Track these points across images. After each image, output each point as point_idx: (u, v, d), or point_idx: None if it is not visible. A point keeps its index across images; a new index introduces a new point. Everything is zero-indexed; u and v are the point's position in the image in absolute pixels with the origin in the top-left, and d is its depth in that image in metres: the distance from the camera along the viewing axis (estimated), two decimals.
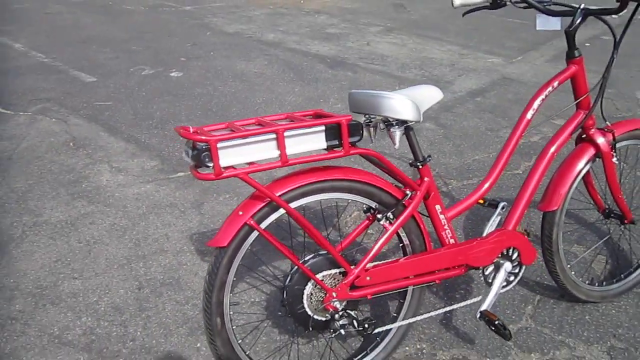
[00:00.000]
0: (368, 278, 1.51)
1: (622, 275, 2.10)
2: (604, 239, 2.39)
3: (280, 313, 1.94)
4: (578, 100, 1.80)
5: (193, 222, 2.47)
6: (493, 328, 1.65)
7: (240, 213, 1.38)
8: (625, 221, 1.99)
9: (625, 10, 1.61)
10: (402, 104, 1.40)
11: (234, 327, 1.46)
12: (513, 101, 4.17)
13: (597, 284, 2.05)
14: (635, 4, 1.60)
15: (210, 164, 1.25)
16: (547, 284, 2.13)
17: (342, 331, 1.50)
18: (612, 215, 2.03)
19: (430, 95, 1.53)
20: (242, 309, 1.97)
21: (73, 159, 3.02)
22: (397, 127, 1.46)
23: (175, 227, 2.44)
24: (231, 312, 1.45)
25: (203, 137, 1.23)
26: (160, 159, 3.06)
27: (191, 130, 1.29)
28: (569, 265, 1.96)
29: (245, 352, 1.50)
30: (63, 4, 7.17)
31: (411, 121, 1.46)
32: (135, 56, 4.96)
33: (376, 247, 1.51)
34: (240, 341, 1.49)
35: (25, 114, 3.61)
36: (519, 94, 4.35)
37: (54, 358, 1.74)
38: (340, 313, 1.51)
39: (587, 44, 5.89)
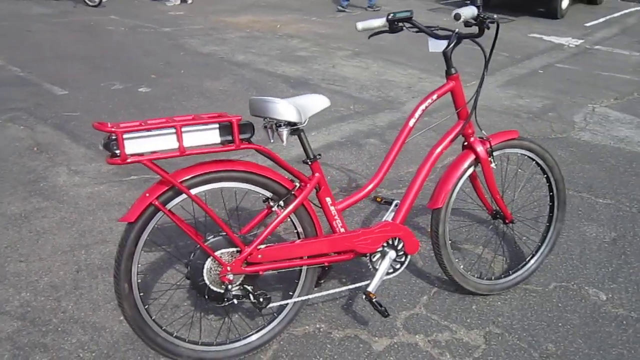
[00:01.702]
0: (260, 256, 1.78)
1: (510, 272, 2.37)
2: (489, 238, 2.68)
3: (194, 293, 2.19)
4: (458, 111, 2.10)
5: None
6: (375, 307, 1.91)
7: (147, 195, 1.64)
8: (507, 221, 2.28)
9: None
10: (284, 108, 1.68)
11: (141, 294, 1.71)
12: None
13: (485, 278, 2.32)
14: (495, 31, 1.91)
15: (118, 152, 1.52)
16: (446, 279, 2.39)
17: (235, 301, 1.75)
18: (498, 216, 2.32)
19: (315, 102, 1.81)
20: (152, 281, 2.22)
21: (35, 162, 3.28)
22: (284, 127, 1.74)
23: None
24: (138, 280, 1.70)
25: (112, 129, 1.50)
26: None
27: (109, 125, 1.57)
28: (457, 259, 2.23)
29: (151, 317, 1.74)
30: (45, 22, 7.49)
31: (297, 123, 1.73)
32: (109, 72, 5.26)
33: (267, 229, 1.78)
34: (147, 307, 1.74)
35: None
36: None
37: None
38: (236, 286, 1.77)
39: (541, 71, 6.29)
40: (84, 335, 1.95)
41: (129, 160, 1.53)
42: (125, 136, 1.51)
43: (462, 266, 2.24)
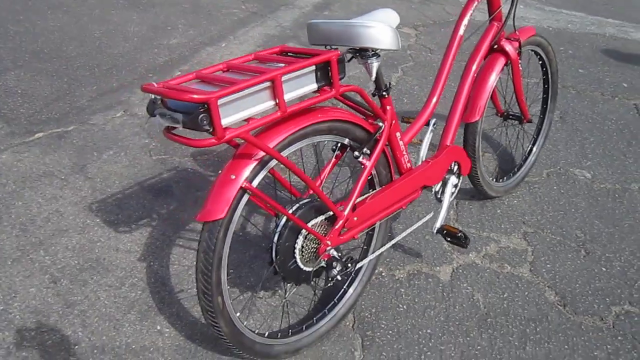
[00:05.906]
0: (355, 218, 1.46)
1: (515, 169, 2.37)
2: (507, 140, 2.66)
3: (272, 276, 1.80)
4: (494, 15, 1.88)
5: (84, 189, 2.09)
6: (454, 240, 1.75)
7: (233, 177, 1.19)
8: (524, 120, 2.22)
9: None
10: (384, 32, 1.30)
11: (231, 302, 1.31)
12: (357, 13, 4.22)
13: (500, 180, 2.29)
14: None
15: (210, 128, 1.03)
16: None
17: (339, 277, 1.45)
18: (510, 116, 2.25)
19: (391, 19, 1.45)
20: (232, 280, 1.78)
21: None
22: (373, 57, 1.37)
23: (64, 199, 2.04)
24: (227, 287, 1.29)
25: (199, 96, 1.00)
26: (4, 120, 2.47)
27: (162, 86, 1.05)
28: (484, 168, 2.15)
29: (243, 324, 1.36)
30: None
31: (391, 50, 1.37)
32: None
33: (359, 186, 1.45)
34: (239, 314, 1.35)
35: None
36: (360, 5, 4.42)
37: None
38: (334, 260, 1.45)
39: None
40: None
41: (226, 138, 1.06)
42: (220, 102, 1.02)
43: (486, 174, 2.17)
